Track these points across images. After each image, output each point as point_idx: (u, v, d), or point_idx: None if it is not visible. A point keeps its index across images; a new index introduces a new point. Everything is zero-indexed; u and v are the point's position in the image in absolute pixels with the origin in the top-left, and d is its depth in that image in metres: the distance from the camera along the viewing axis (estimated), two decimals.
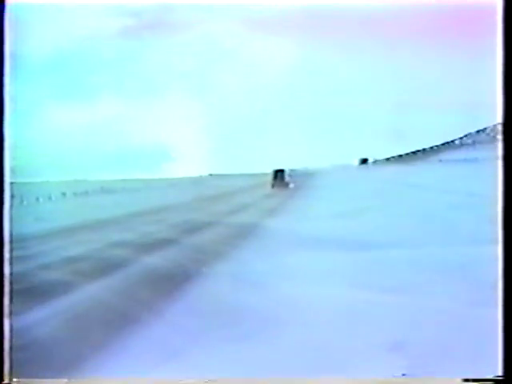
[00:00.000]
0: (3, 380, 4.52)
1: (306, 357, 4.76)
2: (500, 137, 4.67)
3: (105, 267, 8.04)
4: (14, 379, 4.53)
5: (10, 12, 4.88)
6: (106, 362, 4.78)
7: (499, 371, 4.31)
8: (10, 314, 4.69)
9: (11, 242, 4.97)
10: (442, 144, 18.39)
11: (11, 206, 5.01)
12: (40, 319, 5.64)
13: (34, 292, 6.47)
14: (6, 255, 4.80)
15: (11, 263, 4.89)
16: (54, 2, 6.92)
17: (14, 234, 5.07)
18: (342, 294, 6.47)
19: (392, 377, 4.33)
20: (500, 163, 4.61)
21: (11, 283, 4.83)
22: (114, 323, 5.75)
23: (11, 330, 4.67)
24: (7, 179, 4.91)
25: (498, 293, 4.42)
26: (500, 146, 4.66)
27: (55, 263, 8.41)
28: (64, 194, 17.87)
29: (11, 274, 4.89)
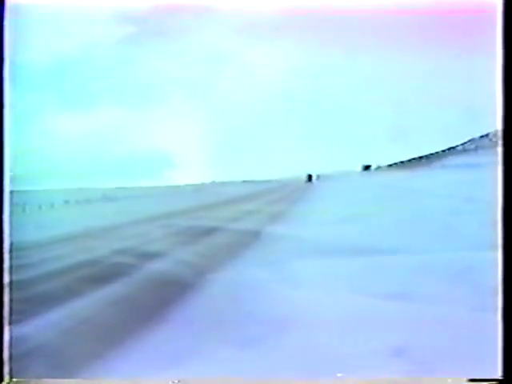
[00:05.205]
0: (3, 380, 4.51)
1: (310, 363, 4.76)
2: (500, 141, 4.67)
3: (108, 274, 8.05)
4: (14, 379, 4.53)
5: (10, 13, 4.88)
6: (106, 367, 4.79)
7: (499, 374, 4.31)
8: (10, 320, 4.70)
9: (12, 250, 4.97)
10: (445, 150, 18.44)
11: (13, 214, 5.00)
12: (42, 326, 5.65)
13: (35, 299, 6.47)
14: (6, 263, 4.80)
15: (12, 272, 4.89)
16: (54, 3, 6.93)
17: (15, 242, 5.07)
18: (345, 300, 6.46)
19: (396, 377, 4.33)
20: (500, 168, 4.60)
21: (12, 290, 4.83)
22: (117, 329, 5.76)
23: (11, 333, 4.68)
24: (7, 187, 4.90)
25: (498, 297, 4.41)
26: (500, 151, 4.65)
27: (57, 270, 8.41)
28: (67, 202, 17.90)
29: (13, 281, 4.90)
